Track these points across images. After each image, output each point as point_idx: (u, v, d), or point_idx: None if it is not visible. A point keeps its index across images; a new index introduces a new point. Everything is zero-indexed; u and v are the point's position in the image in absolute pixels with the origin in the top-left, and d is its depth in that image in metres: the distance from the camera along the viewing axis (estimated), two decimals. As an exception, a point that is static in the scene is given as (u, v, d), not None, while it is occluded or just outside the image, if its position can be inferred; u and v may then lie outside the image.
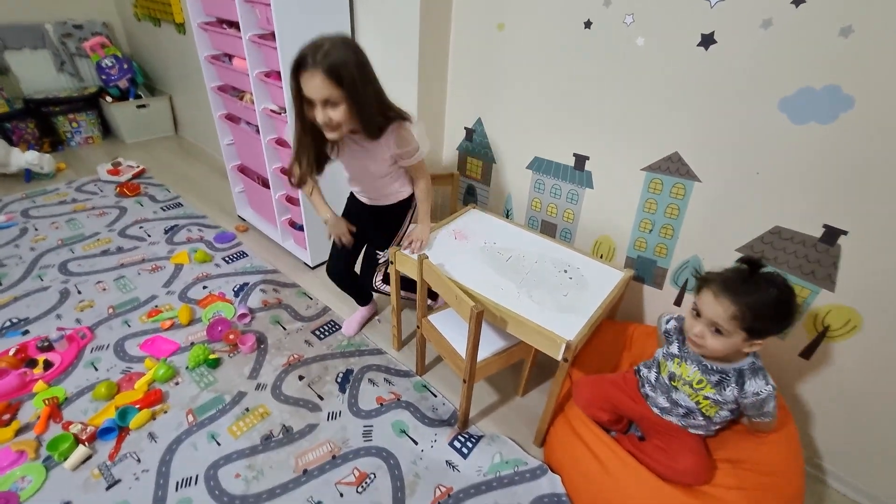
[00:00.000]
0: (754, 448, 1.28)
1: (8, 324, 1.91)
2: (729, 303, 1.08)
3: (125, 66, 3.51)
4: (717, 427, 1.31)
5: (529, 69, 1.68)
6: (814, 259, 1.29)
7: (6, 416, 1.54)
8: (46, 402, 1.57)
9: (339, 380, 1.74)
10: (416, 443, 1.52)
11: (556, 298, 1.43)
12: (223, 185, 2.97)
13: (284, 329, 1.96)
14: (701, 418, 1.26)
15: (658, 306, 1.70)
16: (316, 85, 1.19)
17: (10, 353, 1.72)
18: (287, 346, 1.88)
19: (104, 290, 2.12)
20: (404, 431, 1.56)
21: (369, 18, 1.89)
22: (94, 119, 3.62)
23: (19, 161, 2.96)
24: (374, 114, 1.32)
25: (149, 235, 2.54)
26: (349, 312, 2.08)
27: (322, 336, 1.95)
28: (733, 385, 1.17)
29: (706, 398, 1.22)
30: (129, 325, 1.93)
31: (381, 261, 1.75)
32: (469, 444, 1.51)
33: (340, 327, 1.99)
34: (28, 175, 3.02)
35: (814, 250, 1.28)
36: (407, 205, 1.69)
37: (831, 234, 1.24)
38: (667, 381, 1.29)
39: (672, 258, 1.59)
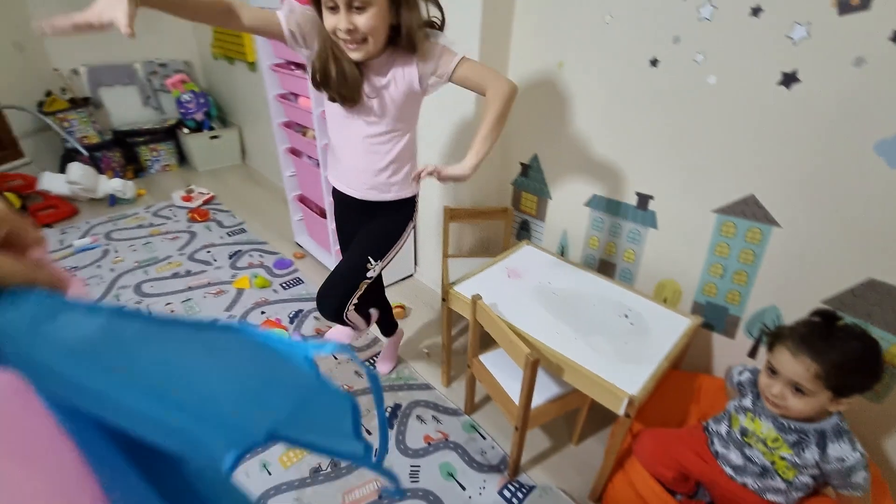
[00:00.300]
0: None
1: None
2: (810, 360, 1.00)
3: (201, 101, 3.80)
4: (800, 495, 1.17)
5: (590, 106, 1.65)
6: (918, 318, 1.15)
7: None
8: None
9: (387, 414, 1.73)
10: (463, 488, 1.47)
11: (616, 346, 1.36)
12: (283, 212, 3.10)
13: (335, 359, 1.99)
14: (779, 481, 1.13)
15: (729, 357, 1.57)
16: None
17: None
18: (338, 376, 1.90)
19: (172, 311, 2.25)
20: (452, 475, 1.51)
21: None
22: (172, 148, 3.93)
23: (106, 187, 3.25)
24: (415, 24, 1.01)
25: (215, 260, 2.69)
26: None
27: (372, 366, 1.95)
28: (813, 447, 1.06)
29: (783, 458, 1.10)
30: (192, 348, 2.02)
31: (368, 274, 1.34)
32: (520, 495, 1.44)
33: (403, 360, 1.99)
34: (112, 200, 3.30)
35: (918, 308, 1.14)
36: (408, 209, 1.38)
37: (941, 292, 1.10)
38: (738, 436, 1.19)
39: (746, 306, 1.47)
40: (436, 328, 2.19)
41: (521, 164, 1.97)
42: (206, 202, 3.35)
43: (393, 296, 2.39)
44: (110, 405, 0.24)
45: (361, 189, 1.31)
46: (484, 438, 1.65)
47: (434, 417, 1.72)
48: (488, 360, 1.55)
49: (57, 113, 3.26)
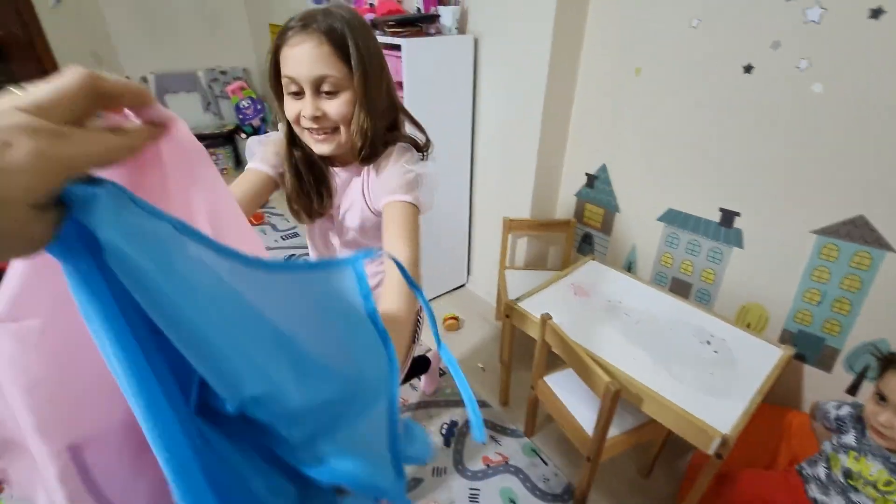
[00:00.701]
0: None
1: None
2: None
3: (258, 107, 3.90)
4: None
5: (670, 115, 1.54)
6: None
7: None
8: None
9: (444, 431, 1.68)
10: (526, 517, 1.40)
11: (700, 376, 1.25)
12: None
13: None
14: None
15: (824, 392, 1.42)
16: (306, 53, 0.71)
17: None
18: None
19: (231, 314, 2.29)
20: (513, 501, 1.44)
21: (494, 58, 1.87)
22: (229, 153, 4.06)
23: (169, 190, 3.39)
24: (382, 122, 0.81)
25: (269, 263, 2.73)
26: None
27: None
28: None
29: None
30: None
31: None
32: (588, 530, 1.36)
33: (444, 373, 1.94)
34: (175, 202, 3.43)
35: None
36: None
37: None
38: (841, 479, 1.07)
39: (847, 338, 1.33)
40: (490, 342, 2.13)
41: (588, 174, 1.88)
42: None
43: (445, 306, 2.36)
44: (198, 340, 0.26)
45: None
46: (546, 464, 1.57)
47: (493, 438, 1.66)
48: (555, 382, 1.48)
49: (127, 119, 3.42)
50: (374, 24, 1.86)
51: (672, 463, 1.56)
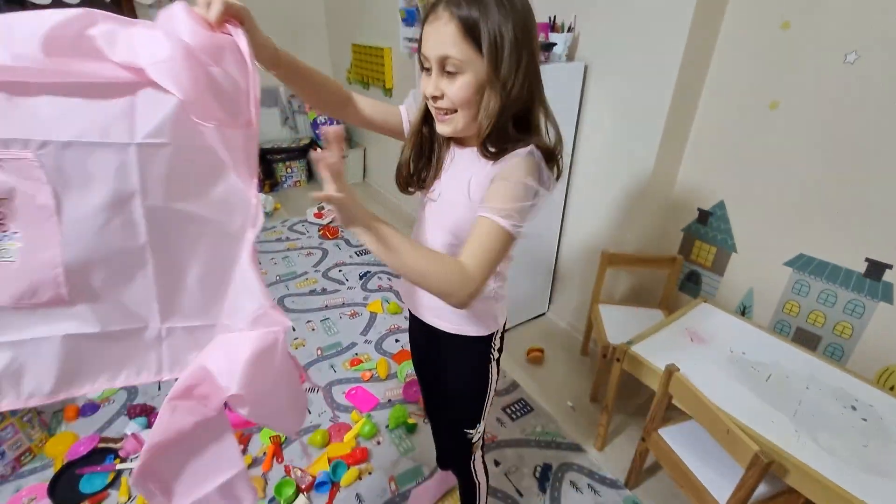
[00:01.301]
0: None
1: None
2: None
3: (334, 122, 4.02)
4: None
5: (807, 152, 1.42)
6: None
7: (241, 447, 1.70)
8: (272, 438, 1.72)
9: (537, 475, 1.60)
10: (635, 581, 1.30)
11: (853, 448, 1.12)
12: (406, 232, 3.13)
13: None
14: None
15: None
16: (434, 31, 0.71)
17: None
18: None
19: (313, 329, 2.32)
20: (619, 561, 1.35)
21: (605, 84, 1.81)
22: (304, 166, 4.18)
23: (250, 201, 3.52)
24: (509, 114, 0.75)
25: (347, 279, 2.76)
26: (539, 391, 1.95)
27: (514, 417, 1.84)
28: None
29: None
30: (334, 370, 2.06)
31: (473, 440, 1.11)
32: None
33: (532, 409, 1.87)
34: (254, 212, 3.57)
35: None
36: (484, 346, 1.00)
37: None
38: None
39: None
40: (576, 377, 2.04)
41: (700, 209, 1.77)
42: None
43: (526, 336, 2.29)
44: None
45: (432, 315, 1.00)
46: (652, 522, 1.46)
47: (590, 487, 1.57)
48: (673, 436, 1.37)
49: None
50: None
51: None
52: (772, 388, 1.30)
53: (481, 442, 1.15)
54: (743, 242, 1.67)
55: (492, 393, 1.06)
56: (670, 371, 1.26)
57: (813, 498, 1.07)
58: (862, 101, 1.28)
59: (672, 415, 1.42)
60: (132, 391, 1.93)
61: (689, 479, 1.28)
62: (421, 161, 0.89)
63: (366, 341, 2.25)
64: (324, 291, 2.64)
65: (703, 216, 1.76)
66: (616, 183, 1.85)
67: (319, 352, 2.17)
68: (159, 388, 1.93)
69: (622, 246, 1.90)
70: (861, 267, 1.38)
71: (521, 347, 2.19)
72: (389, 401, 1.90)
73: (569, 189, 2.07)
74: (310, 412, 1.84)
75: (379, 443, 1.72)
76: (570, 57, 1.81)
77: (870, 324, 1.40)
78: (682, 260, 1.81)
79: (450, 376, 1.07)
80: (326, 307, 2.50)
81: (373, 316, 2.43)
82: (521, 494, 1.54)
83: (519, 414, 1.85)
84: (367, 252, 3.08)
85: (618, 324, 1.81)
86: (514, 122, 0.76)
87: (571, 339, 2.26)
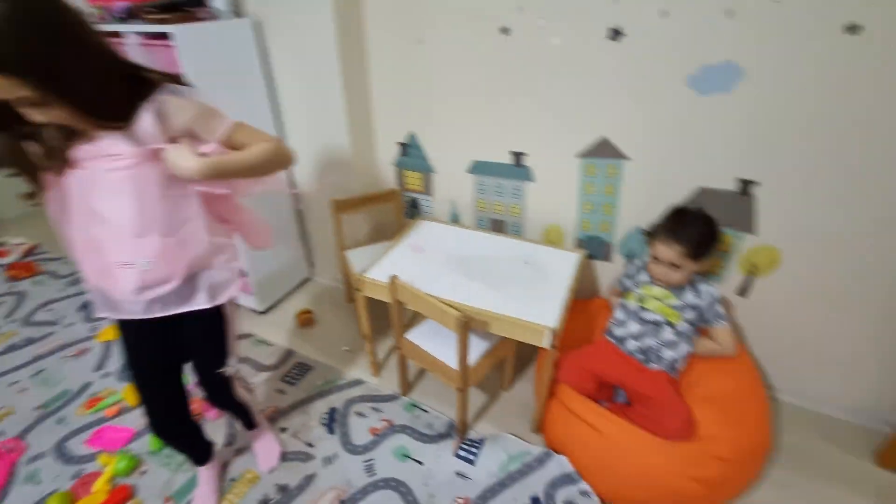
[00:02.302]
0: (723, 381, 1.46)
1: None
2: (678, 245, 1.39)
3: None
4: (687, 348, 1.47)
5: (454, 80, 1.73)
6: (735, 209, 1.48)
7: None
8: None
9: (324, 421, 1.67)
10: (421, 463, 1.51)
11: (527, 290, 1.50)
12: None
13: (251, 383, 1.83)
14: (669, 331, 1.46)
15: (611, 278, 1.84)
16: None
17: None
18: (258, 400, 1.76)
19: (23, 390, 1.84)
20: (407, 455, 1.54)
21: (281, 43, 1.82)
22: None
23: None
24: (108, 85, 0.81)
25: (62, 317, 2.24)
26: (316, 350, 2.00)
27: (293, 381, 1.85)
28: (689, 291, 1.48)
29: (671, 307, 1.47)
30: (66, 423, 1.69)
31: (228, 374, 1.26)
32: (474, 451, 1.53)
33: (311, 368, 1.90)
34: None
35: (734, 201, 1.47)
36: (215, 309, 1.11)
37: (745, 186, 1.43)
38: (636, 305, 1.52)
39: (616, 232, 1.73)
40: (347, 325, 2.15)
41: (400, 143, 2.00)
42: (28, 253, 2.75)
43: (295, 303, 2.29)
44: None
45: (160, 304, 1.05)
46: (427, 412, 1.69)
47: (374, 409, 1.71)
48: (415, 336, 1.59)
49: None
50: (132, 14, 1.62)
51: (527, 372, 1.84)
52: (474, 268, 1.61)
53: (238, 374, 1.35)
54: (437, 163, 1.96)
55: (231, 336, 1.20)
56: (393, 280, 1.43)
57: (504, 333, 1.40)
58: (471, 27, 1.61)
59: (417, 319, 1.64)
60: None
61: (436, 362, 1.51)
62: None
63: (103, 375, 1.90)
64: (30, 342, 2.09)
65: (404, 148, 2.00)
66: (325, 138, 1.93)
67: (40, 411, 1.74)
68: None
69: (351, 193, 2.02)
70: (510, 159, 1.79)
71: (291, 314, 2.18)
72: (149, 424, 1.67)
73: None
74: (39, 482, 1.49)
75: (144, 472, 1.51)
76: (237, 13, 1.75)
77: (528, 201, 1.84)
78: (401, 191, 2.04)
79: (191, 343, 1.18)
80: (37, 358, 1.99)
81: (107, 345, 2.05)
82: (311, 445, 1.58)
83: (298, 378, 1.86)
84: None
85: (365, 262, 1.95)
86: (125, 87, 0.85)
87: (338, 293, 2.35)
